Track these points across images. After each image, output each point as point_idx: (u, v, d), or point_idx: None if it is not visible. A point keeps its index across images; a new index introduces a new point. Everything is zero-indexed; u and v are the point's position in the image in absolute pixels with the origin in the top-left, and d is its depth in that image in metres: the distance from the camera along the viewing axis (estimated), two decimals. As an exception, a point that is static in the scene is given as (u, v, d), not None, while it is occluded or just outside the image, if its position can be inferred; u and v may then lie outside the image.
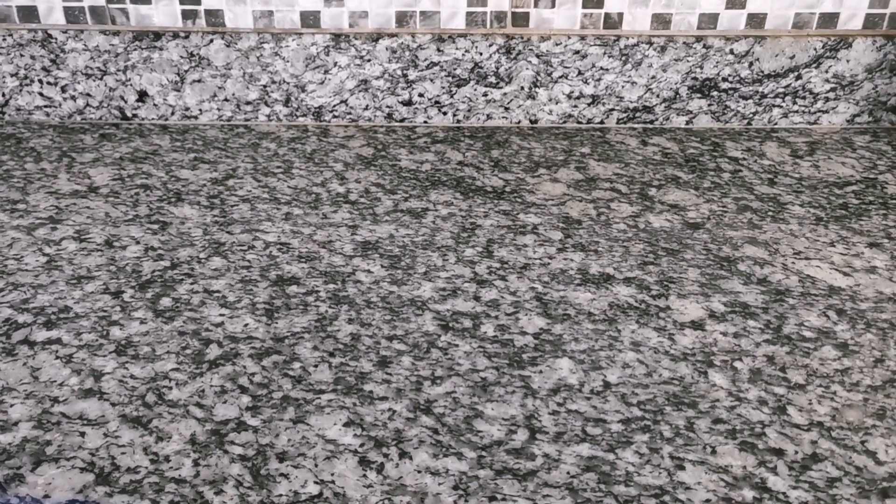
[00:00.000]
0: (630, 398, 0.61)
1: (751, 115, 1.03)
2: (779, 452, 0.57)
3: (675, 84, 1.01)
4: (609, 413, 0.60)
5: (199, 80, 0.99)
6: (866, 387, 0.63)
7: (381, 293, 0.72)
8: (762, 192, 0.89)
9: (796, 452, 0.57)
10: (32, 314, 0.69)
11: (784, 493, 0.53)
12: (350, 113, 1.02)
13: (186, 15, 0.97)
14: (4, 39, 0.97)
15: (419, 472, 0.55)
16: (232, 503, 0.52)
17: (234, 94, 1.00)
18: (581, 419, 0.59)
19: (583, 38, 0.98)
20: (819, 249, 0.79)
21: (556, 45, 0.98)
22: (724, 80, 1.00)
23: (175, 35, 0.97)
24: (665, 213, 0.85)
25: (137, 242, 0.79)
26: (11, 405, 0.60)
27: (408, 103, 1.02)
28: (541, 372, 0.63)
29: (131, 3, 0.96)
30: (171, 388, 0.62)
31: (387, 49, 0.98)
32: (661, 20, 0.98)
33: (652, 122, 1.03)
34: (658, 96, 1.01)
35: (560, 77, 1.00)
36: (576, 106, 1.02)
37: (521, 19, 0.98)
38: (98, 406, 0.60)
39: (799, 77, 1.00)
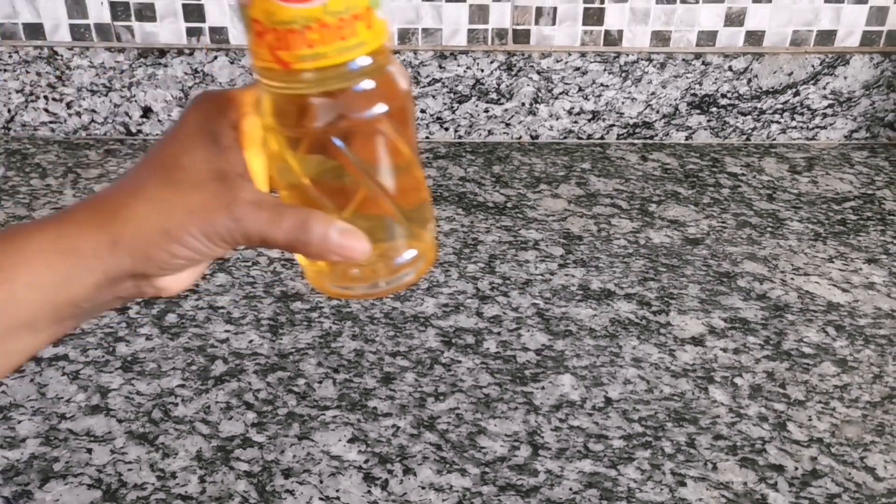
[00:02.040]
0: (631, 414, 0.62)
1: (749, 131, 1.04)
2: (779, 468, 0.58)
3: (675, 100, 1.02)
4: (611, 429, 0.60)
5: (203, 97, 1.00)
6: (865, 403, 0.63)
7: (384, 309, 0.73)
8: (761, 208, 0.90)
9: (796, 468, 0.58)
10: (39, 330, 0.70)
11: (784, 510, 0.54)
12: (352, 129, 1.03)
13: (191, 32, 0.98)
14: (10, 56, 0.98)
15: (423, 488, 0.55)
16: None
17: (237, 110, 1.01)
18: (583, 435, 0.60)
19: (583, 54, 0.99)
20: (818, 265, 0.80)
21: (557, 61, 0.99)
22: (723, 96, 1.01)
23: (180, 52, 0.98)
24: (665, 228, 0.86)
25: (142, 258, 0.80)
26: (19, 421, 0.61)
27: (410, 119, 1.02)
28: (543, 388, 0.64)
29: (137, 20, 0.97)
30: (177, 405, 0.62)
31: (389, 66, 0.99)
32: (660, 37, 0.99)
33: (652, 137, 1.04)
34: (658, 112, 1.02)
35: (560, 93, 1.01)
36: (576, 122, 1.03)
37: (522, 36, 0.99)
38: (105, 422, 0.61)
39: (797, 93, 1.01)
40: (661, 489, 0.56)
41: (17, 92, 1.00)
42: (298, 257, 0.47)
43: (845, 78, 1.01)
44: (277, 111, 0.42)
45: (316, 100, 0.41)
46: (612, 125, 1.03)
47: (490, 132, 1.03)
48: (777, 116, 1.03)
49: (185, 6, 0.96)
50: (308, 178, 0.43)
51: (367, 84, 0.41)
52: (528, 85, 1.01)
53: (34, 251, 0.39)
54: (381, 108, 0.42)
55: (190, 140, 0.41)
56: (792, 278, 0.78)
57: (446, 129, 1.03)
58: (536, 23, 0.98)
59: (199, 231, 0.40)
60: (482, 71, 1.00)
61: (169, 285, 0.42)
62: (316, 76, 0.40)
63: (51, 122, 1.02)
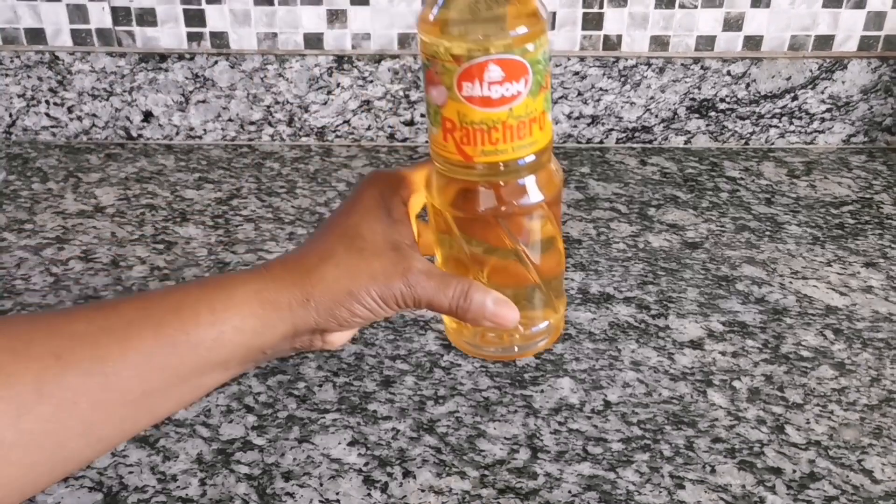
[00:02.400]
0: (630, 417, 0.62)
1: (748, 135, 1.04)
2: (777, 471, 0.58)
3: (674, 104, 1.02)
4: (610, 432, 0.61)
5: (203, 101, 1.01)
6: (863, 406, 0.64)
7: (384, 313, 0.73)
8: (760, 212, 0.90)
9: (794, 471, 0.58)
10: (40, 334, 0.70)
11: (782, 512, 0.54)
12: (353, 133, 1.03)
13: (192, 37, 0.98)
14: (12, 61, 0.98)
15: (423, 490, 0.56)
16: None
17: (238, 115, 1.02)
18: (582, 438, 0.60)
19: (582, 59, 0.99)
20: (816, 269, 0.80)
21: (556, 66, 1.00)
22: (722, 100, 1.02)
23: (181, 57, 0.98)
24: (664, 232, 0.86)
25: (143, 262, 0.80)
26: (20, 425, 0.61)
27: (409, 123, 1.03)
28: (542, 391, 0.64)
29: (138, 25, 0.98)
30: (177, 408, 0.62)
31: (389, 70, 1.00)
32: (659, 42, 1.00)
33: (651, 141, 1.04)
34: (657, 116, 1.03)
35: (560, 97, 1.01)
36: (575, 126, 1.03)
37: (521, 41, 0.99)
38: (106, 425, 0.61)
39: (795, 98, 1.02)
40: (660, 492, 0.56)
41: (19, 96, 1.00)
42: (445, 319, 0.54)
43: (843, 82, 1.01)
44: (449, 193, 0.49)
45: (485, 187, 0.48)
46: (612, 129, 1.03)
47: (489, 136, 1.04)
48: (775, 121, 1.03)
49: (185, 11, 0.97)
50: (468, 250, 0.51)
51: (530, 178, 0.48)
52: (527, 89, 1.01)
53: (241, 299, 0.45)
54: (539, 197, 0.49)
55: (368, 213, 0.48)
56: (790, 282, 0.78)
57: (446, 134, 1.03)
58: (536, 27, 0.99)
59: (377, 294, 0.47)
60: (482, 75, 1.00)
61: (335, 340, 0.50)
62: (491, 168, 0.47)
63: (52, 127, 1.02)
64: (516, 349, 0.54)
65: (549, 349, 0.57)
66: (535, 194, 0.49)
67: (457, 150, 0.47)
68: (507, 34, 0.45)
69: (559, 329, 0.55)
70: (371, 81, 1.00)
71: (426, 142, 1.04)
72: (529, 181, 0.49)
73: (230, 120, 1.02)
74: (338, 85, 1.00)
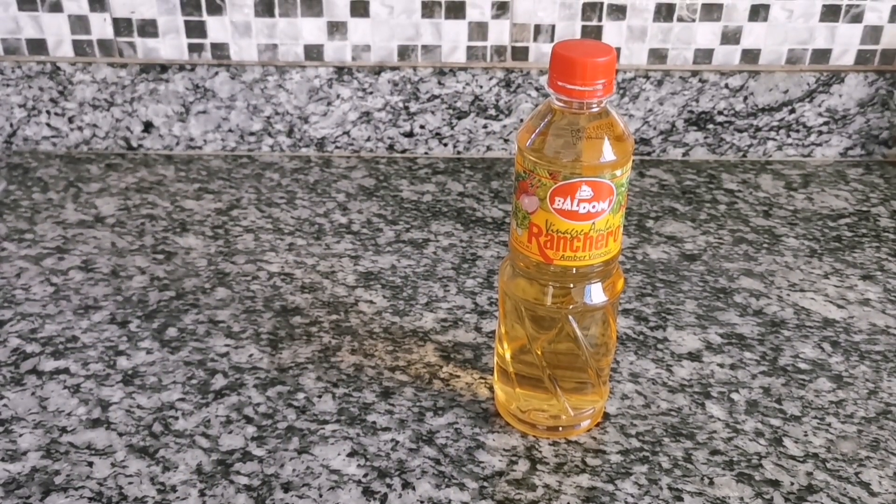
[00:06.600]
0: (629, 429, 0.62)
1: (746, 148, 1.05)
2: (775, 483, 0.58)
3: (672, 117, 1.03)
4: (608, 444, 0.61)
5: (204, 112, 1.01)
6: (860, 418, 0.64)
7: (383, 324, 0.73)
8: (757, 225, 0.91)
9: (792, 484, 0.58)
10: (40, 344, 0.70)
11: (780, 525, 0.54)
12: (352, 144, 1.04)
13: (193, 48, 0.99)
14: (13, 71, 0.99)
15: (422, 502, 0.56)
16: None
17: (238, 125, 1.02)
18: (581, 450, 0.60)
19: (581, 72, 1.00)
20: (813, 281, 0.81)
21: (555, 78, 1.00)
22: (720, 113, 1.02)
23: (181, 67, 0.99)
24: (662, 244, 0.86)
25: (143, 272, 0.80)
26: (20, 435, 0.61)
27: (409, 135, 1.03)
28: (541, 403, 0.64)
29: (139, 36, 0.98)
30: (177, 419, 0.63)
31: (389, 82, 1.00)
32: (657, 55, 1.00)
33: (649, 154, 1.05)
34: (655, 129, 1.03)
35: (559, 110, 1.02)
36: (574, 138, 1.04)
37: (520, 53, 1.00)
38: (105, 436, 0.61)
39: (793, 111, 1.02)
40: (658, 504, 0.56)
41: (20, 106, 1.01)
42: (497, 388, 0.63)
43: (840, 96, 1.02)
44: (524, 287, 0.56)
45: (557, 286, 0.55)
46: (610, 141, 1.04)
47: (489, 148, 1.04)
48: (773, 133, 1.04)
49: (186, 23, 0.97)
50: (533, 336, 0.57)
51: (597, 284, 0.56)
52: (526, 101, 1.01)
53: None
54: (602, 299, 0.56)
55: None
56: (788, 294, 0.79)
57: (445, 145, 1.04)
58: (535, 40, 0.99)
59: None
60: (481, 87, 1.01)
61: None
62: (566, 271, 0.54)
63: (52, 137, 1.03)
64: (560, 428, 0.60)
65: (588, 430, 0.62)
66: (599, 296, 0.56)
67: (539, 251, 0.53)
68: (601, 161, 0.51)
69: (601, 413, 0.62)
70: (371, 93, 1.00)
71: (426, 153, 1.04)
72: (596, 284, 0.55)
73: (230, 130, 1.02)
74: (338, 96, 1.01)
